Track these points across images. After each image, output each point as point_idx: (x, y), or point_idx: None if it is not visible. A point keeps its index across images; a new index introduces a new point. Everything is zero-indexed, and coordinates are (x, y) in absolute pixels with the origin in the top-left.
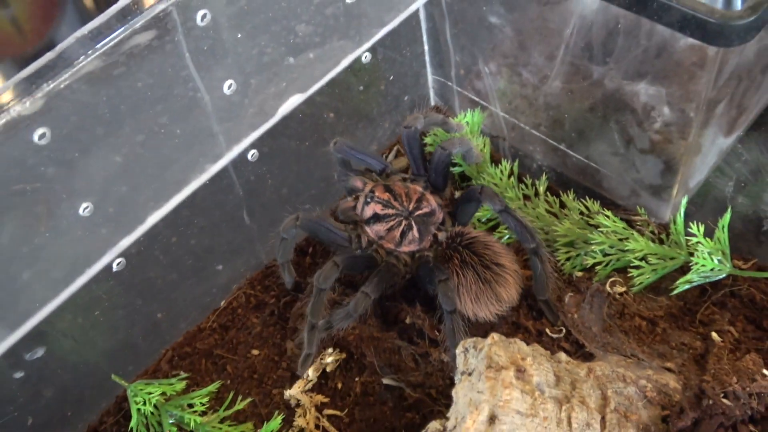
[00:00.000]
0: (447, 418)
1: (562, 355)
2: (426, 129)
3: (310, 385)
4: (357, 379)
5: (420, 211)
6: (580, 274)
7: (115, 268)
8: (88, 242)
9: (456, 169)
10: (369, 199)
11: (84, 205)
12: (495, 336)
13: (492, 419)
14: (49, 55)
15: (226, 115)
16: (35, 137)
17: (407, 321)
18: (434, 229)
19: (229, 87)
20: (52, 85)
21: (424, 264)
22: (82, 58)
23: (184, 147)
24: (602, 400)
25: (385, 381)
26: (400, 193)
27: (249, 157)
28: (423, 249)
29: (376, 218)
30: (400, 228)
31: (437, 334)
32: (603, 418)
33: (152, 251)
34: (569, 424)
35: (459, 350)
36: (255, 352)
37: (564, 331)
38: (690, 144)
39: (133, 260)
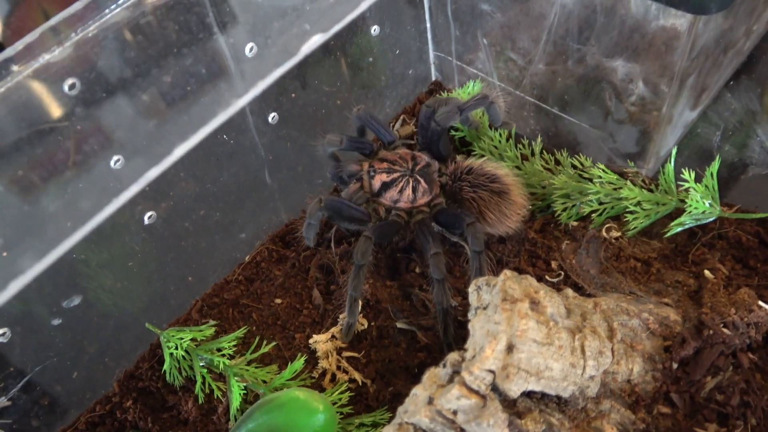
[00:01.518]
0: (465, 350)
1: (569, 291)
2: (444, 124)
3: (333, 332)
4: (373, 323)
5: (419, 166)
6: (575, 223)
7: (146, 221)
8: (116, 175)
9: (457, 134)
10: (372, 173)
11: (114, 147)
12: (507, 272)
13: (510, 348)
14: (77, 5)
15: (247, 58)
16: (65, 87)
17: (417, 271)
18: (437, 177)
19: (250, 41)
20: (81, 35)
21: (443, 212)
22: (113, 7)
23: (208, 84)
24: (609, 331)
25: (399, 325)
26: (395, 159)
27: (270, 119)
28: (435, 197)
29: (386, 186)
30: (410, 185)
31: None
32: (611, 348)
33: (181, 207)
34: (583, 351)
35: (471, 289)
36: (278, 300)
37: (562, 275)
38: (663, 115)
39: (164, 213)
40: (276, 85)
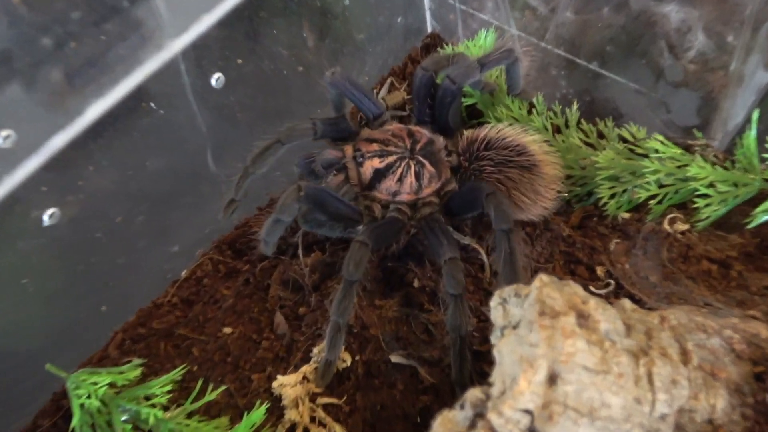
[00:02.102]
0: (489, 384)
1: (627, 302)
2: (461, 82)
3: (305, 372)
4: (358, 358)
5: (420, 144)
6: (626, 215)
7: (46, 221)
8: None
9: (466, 100)
10: (361, 159)
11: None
12: (544, 277)
13: (552, 378)
14: None
15: None
16: None
17: (415, 284)
18: (445, 156)
19: None
20: None
21: (452, 197)
22: None
23: (126, 21)
24: (681, 355)
25: (393, 358)
26: (386, 138)
27: (213, 82)
28: (446, 182)
29: (380, 174)
30: (411, 170)
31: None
32: (687, 377)
33: (94, 203)
34: (650, 381)
35: (494, 302)
36: (227, 329)
37: (612, 284)
38: (731, 74)
39: (70, 211)
40: (220, 30)
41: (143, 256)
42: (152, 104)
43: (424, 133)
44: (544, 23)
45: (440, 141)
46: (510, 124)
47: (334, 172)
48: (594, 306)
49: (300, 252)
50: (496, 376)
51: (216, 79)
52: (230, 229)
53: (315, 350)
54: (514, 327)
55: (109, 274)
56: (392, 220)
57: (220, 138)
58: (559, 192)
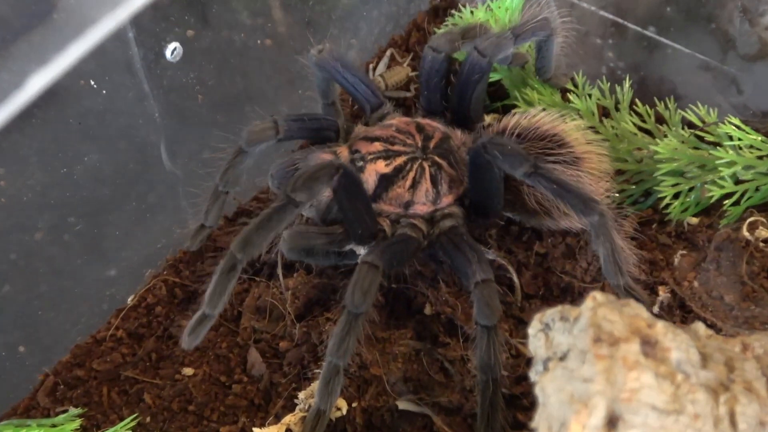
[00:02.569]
0: (531, 430)
1: (700, 326)
2: (492, 55)
3: (288, 424)
4: (355, 404)
5: (434, 140)
6: (694, 220)
7: None
8: None
9: (491, 76)
10: (361, 162)
11: None
12: (598, 295)
13: (612, 421)
14: None
15: None
16: None
17: (427, 311)
18: (465, 155)
19: None
20: None
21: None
22: None
23: None
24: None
25: (401, 405)
26: (390, 134)
27: (168, 54)
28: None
29: (387, 181)
30: (426, 173)
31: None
32: None
33: (15, 208)
34: (733, 423)
35: (533, 329)
36: (188, 371)
37: (677, 307)
38: None
39: None
40: None
41: (79, 276)
42: (93, 82)
43: (437, 126)
44: None
45: (458, 135)
46: (543, 109)
47: None
48: (662, 330)
49: (279, 272)
50: (540, 420)
51: (172, 50)
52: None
53: (301, 395)
54: (561, 358)
55: (36, 296)
56: (404, 239)
57: (176, 126)
58: (608, 192)
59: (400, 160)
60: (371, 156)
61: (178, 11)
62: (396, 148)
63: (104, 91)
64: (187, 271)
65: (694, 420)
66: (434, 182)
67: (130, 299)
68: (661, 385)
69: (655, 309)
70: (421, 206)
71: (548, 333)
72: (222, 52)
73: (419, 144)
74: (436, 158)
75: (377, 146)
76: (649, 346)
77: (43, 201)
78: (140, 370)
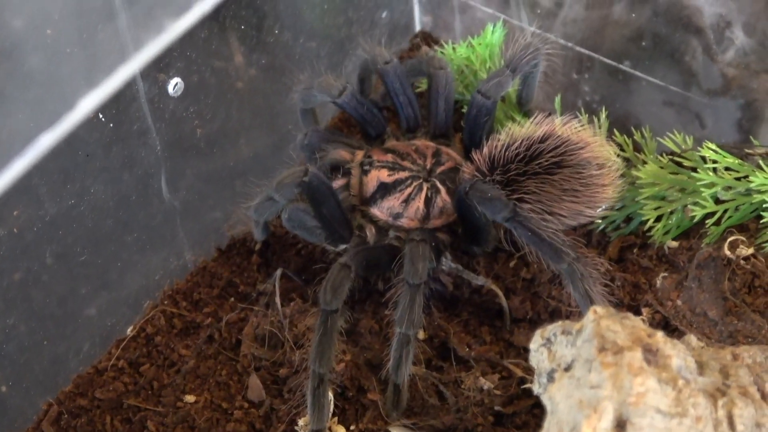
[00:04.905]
0: None
1: (693, 338)
2: (496, 95)
3: None
4: (353, 427)
5: (442, 167)
6: (674, 243)
7: None
8: None
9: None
10: (368, 167)
11: None
12: (598, 309)
13: (621, 424)
14: None
15: None
16: None
17: (420, 336)
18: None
19: None
20: None
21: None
22: None
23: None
24: (762, 396)
25: (393, 430)
26: (407, 151)
27: (171, 89)
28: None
29: (384, 189)
30: (422, 193)
31: (469, 349)
32: None
33: (24, 237)
34: (731, 425)
35: (535, 344)
36: (190, 398)
37: (662, 326)
38: None
39: None
40: (183, 35)
41: (81, 305)
42: (101, 115)
43: (454, 157)
44: (545, 22)
45: (469, 167)
46: (517, 126)
47: (339, 175)
48: (662, 339)
49: (277, 300)
50: (550, 426)
51: (174, 85)
52: (187, 274)
53: (300, 422)
54: (566, 369)
55: (38, 330)
56: (386, 247)
57: (176, 158)
58: (611, 170)
59: (402, 175)
60: (379, 163)
61: (180, 49)
62: (404, 163)
63: (111, 124)
64: (185, 302)
65: (696, 422)
66: (427, 204)
67: (129, 330)
68: (665, 390)
69: None
70: (409, 221)
71: (550, 347)
72: (220, 85)
73: (428, 166)
74: (437, 183)
75: (388, 157)
76: (650, 353)
77: (56, 221)
78: (142, 398)
